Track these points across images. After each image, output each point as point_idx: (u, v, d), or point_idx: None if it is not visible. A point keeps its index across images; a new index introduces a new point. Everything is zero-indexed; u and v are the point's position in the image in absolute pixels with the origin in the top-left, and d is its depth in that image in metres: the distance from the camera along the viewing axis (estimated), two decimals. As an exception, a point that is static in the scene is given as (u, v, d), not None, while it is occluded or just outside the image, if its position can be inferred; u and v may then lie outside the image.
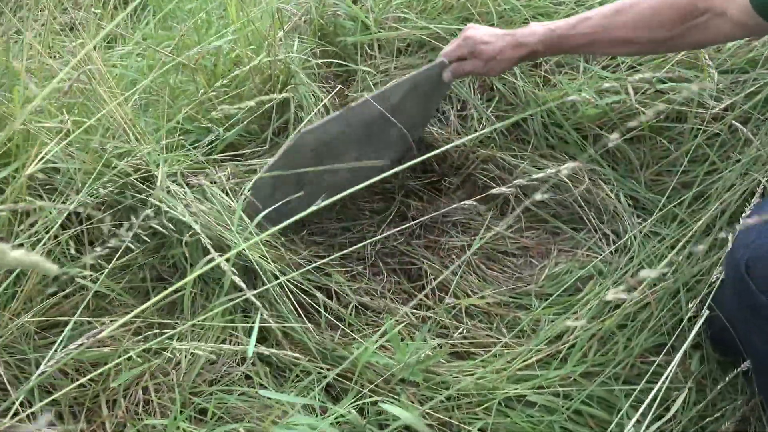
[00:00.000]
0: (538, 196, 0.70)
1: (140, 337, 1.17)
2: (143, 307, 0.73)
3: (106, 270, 0.98)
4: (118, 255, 1.11)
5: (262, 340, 1.20)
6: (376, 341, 1.04)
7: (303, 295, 1.23)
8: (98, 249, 0.93)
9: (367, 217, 1.53)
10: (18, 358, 1.09)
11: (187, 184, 1.14)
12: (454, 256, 1.40)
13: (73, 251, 1.16)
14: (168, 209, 1.05)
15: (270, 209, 1.14)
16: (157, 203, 1.04)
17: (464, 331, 1.24)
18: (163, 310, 1.22)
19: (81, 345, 0.77)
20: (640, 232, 1.29)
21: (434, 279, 1.35)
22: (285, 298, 1.19)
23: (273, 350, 1.04)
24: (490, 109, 1.53)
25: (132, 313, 0.68)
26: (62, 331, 1.00)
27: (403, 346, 1.06)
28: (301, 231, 1.48)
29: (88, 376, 0.92)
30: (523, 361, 1.11)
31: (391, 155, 1.54)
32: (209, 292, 1.21)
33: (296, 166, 1.23)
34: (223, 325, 1.13)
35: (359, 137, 1.35)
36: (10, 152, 1.15)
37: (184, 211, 1.06)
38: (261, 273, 1.12)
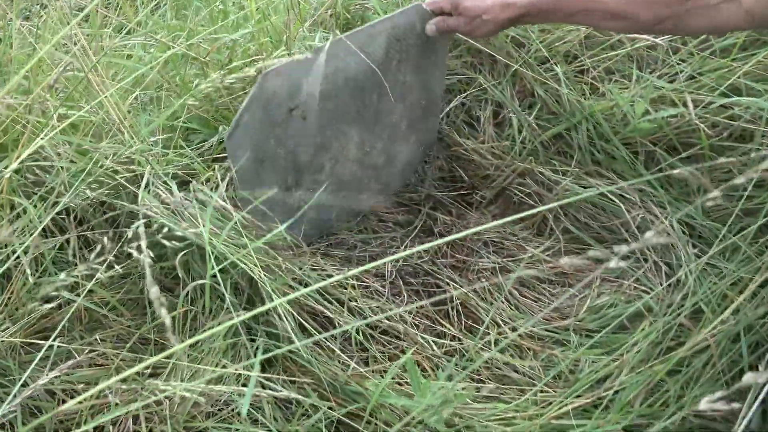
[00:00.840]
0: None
1: (136, 356, 1.09)
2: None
3: (90, 285, 0.89)
4: (106, 264, 1.02)
5: (268, 363, 1.11)
6: (393, 378, 0.94)
7: (314, 314, 1.14)
8: (89, 261, 0.84)
9: (390, 230, 1.44)
10: (1, 374, 1.02)
11: (183, 188, 1.05)
12: (483, 279, 1.30)
13: (70, 257, 1.08)
14: (154, 215, 0.97)
15: (257, 204, 1.04)
16: (145, 211, 0.95)
17: (493, 366, 1.14)
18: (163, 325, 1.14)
19: (57, 376, 0.68)
20: (697, 267, 1.17)
21: (461, 304, 1.25)
22: (292, 316, 1.10)
23: (275, 390, 0.95)
24: (531, 117, 1.42)
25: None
26: (52, 344, 0.92)
27: (424, 385, 0.96)
28: (317, 242, 1.39)
29: (69, 404, 0.84)
30: (560, 408, 1.01)
31: (404, 149, 1.44)
32: (214, 308, 1.13)
33: (274, 124, 1.11)
34: (219, 353, 1.04)
35: (352, 108, 1.24)
36: (6, 146, 1.07)
37: (172, 220, 0.97)
38: (264, 287, 1.03)
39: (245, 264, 0.99)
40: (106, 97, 0.96)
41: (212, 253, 0.94)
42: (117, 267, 1.03)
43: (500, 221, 0.63)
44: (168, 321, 0.70)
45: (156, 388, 0.89)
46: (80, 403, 0.97)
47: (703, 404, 0.50)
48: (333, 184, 1.33)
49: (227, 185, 1.11)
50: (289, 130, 1.15)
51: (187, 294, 1.06)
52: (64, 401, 1.01)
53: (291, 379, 1.09)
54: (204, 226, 0.93)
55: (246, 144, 1.10)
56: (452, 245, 1.38)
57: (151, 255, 0.86)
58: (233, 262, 1.03)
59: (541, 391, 1.08)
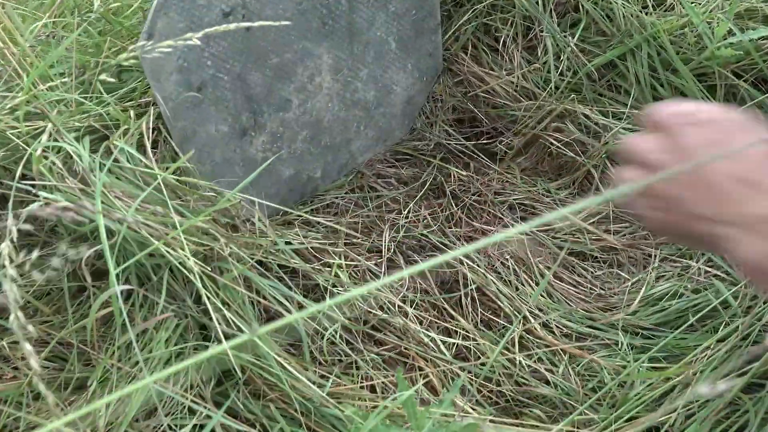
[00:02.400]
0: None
1: (58, 364, 0.91)
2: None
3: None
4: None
5: (226, 374, 0.93)
6: (381, 406, 0.74)
7: (284, 301, 0.94)
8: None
9: (390, 189, 1.21)
10: None
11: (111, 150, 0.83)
12: (508, 256, 1.08)
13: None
14: (47, 194, 0.75)
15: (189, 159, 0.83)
16: (29, 188, 0.74)
17: (516, 374, 0.94)
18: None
19: None
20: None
21: (477, 290, 1.04)
22: (254, 309, 0.91)
23: (233, 421, 0.76)
24: (574, 40, 1.16)
25: None
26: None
27: (421, 416, 0.76)
28: (298, 207, 1.17)
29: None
30: (605, 441, 0.81)
31: (400, 79, 1.20)
32: (153, 302, 0.93)
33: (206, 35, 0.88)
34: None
35: (313, 15, 0.99)
36: None
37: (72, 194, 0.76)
38: (198, 283, 0.82)
39: (171, 250, 0.79)
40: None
41: (115, 238, 0.73)
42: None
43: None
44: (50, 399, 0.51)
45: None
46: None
47: None
48: (308, 127, 1.10)
49: (156, 135, 0.89)
50: (228, 44, 0.92)
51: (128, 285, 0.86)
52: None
53: (254, 392, 0.91)
54: (97, 193, 0.71)
55: (171, 63, 0.87)
56: (468, 210, 1.16)
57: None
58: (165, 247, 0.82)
59: (581, 416, 0.88)
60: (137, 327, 0.83)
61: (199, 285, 0.81)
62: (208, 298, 0.83)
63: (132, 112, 0.92)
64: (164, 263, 0.88)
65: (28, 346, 0.51)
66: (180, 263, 0.83)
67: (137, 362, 0.84)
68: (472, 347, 0.98)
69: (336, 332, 0.94)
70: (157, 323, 0.89)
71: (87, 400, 0.82)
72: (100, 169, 0.82)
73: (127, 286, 0.76)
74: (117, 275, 0.77)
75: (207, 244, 0.86)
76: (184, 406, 0.85)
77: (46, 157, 0.82)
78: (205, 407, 0.81)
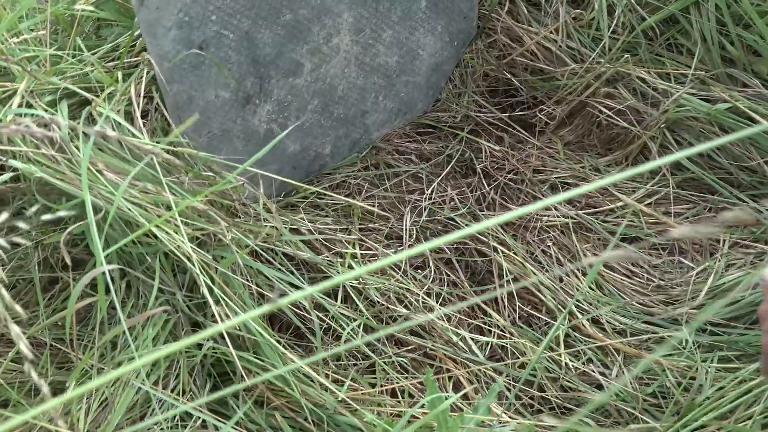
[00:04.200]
0: None
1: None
2: None
3: None
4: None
5: (222, 377, 0.92)
6: (406, 414, 0.73)
7: (292, 304, 0.93)
8: None
9: (411, 165, 1.20)
10: None
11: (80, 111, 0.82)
12: (550, 243, 1.06)
13: None
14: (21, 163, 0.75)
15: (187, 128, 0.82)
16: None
17: (562, 378, 0.92)
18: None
19: None
20: None
21: (514, 282, 1.02)
22: (253, 298, 0.90)
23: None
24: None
25: None
26: None
27: (453, 422, 0.74)
28: (302, 188, 1.16)
29: None
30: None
31: (428, 42, 1.18)
32: (139, 294, 0.92)
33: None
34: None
35: None
36: None
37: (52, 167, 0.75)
38: (196, 271, 0.81)
39: (164, 234, 0.78)
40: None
41: (104, 218, 0.72)
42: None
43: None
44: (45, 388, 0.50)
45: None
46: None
47: None
48: (320, 96, 1.09)
49: (146, 102, 0.88)
50: None
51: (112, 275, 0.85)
52: None
53: (258, 399, 0.90)
54: (83, 165, 0.70)
55: (170, 16, 0.86)
56: (503, 190, 1.14)
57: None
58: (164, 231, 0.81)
59: (636, 419, 0.86)
60: (122, 324, 0.82)
61: (198, 273, 0.80)
62: (211, 290, 0.82)
63: (120, 74, 0.91)
64: (151, 252, 0.87)
65: (16, 329, 0.50)
66: (173, 250, 0.82)
67: (120, 362, 0.83)
68: (509, 347, 0.97)
69: (354, 331, 0.93)
70: (146, 320, 0.88)
71: (63, 406, 0.81)
72: (83, 139, 0.81)
73: (114, 266, 0.75)
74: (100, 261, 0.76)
75: (205, 228, 0.84)
76: (175, 415, 0.84)
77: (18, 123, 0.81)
78: (201, 412, 0.80)
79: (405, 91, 1.23)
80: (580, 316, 0.97)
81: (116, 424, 0.76)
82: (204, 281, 0.78)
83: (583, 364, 0.94)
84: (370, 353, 0.92)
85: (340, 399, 0.84)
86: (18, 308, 0.52)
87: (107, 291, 0.86)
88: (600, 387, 0.91)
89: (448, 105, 1.28)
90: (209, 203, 0.90)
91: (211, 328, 0.32)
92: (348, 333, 0.91)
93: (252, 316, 0.30)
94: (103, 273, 0.74)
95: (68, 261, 0.69)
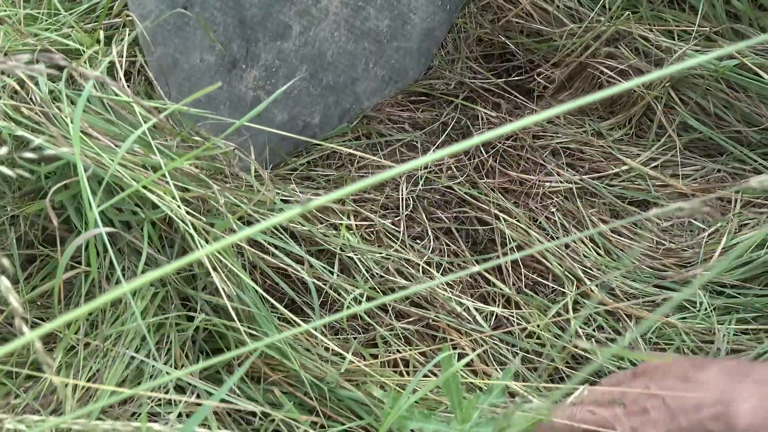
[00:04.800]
0: None
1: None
2: None
3: None
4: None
5: (217, 354, 0.90)
6: (411, 384, 0.72)
7: (286, 274, 0.92)
8: None
9: (405, 132, 1.19)
10: None
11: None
12: (554, 209, 1.06)
13: None
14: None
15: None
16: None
17: (572, 345, 0.92)
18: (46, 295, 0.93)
19: None
20: None
21: (518, 249, 1.01)
22: (251, 277, 0.88)
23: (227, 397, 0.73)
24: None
25: None
26: None
27: (468, 403, 0.73)
28: (290, 159, 1.15)
29: None
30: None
31: (420, 5, 1.18)
32: (129, 261, 0.91)
33: None
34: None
35: None
36: None
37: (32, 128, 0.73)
38: (186, 230, 0.80)
39: (155, 195, 0.76)
40: None
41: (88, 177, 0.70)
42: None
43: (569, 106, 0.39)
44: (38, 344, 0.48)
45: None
46: None
47: None
48: (308, 61, 1.08)
49: (129, 65, 0.86)
50: None
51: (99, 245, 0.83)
52: None
53: (255, 375, 0.88)
54: (75, 127, 0.69)
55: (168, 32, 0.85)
56: (502, 157, 1.13)
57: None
58: (146, 195, 0.79)
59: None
60: (107, 294, 0.80)
61: (193, 235, 0.78)
62: (210, 261, 0.80)
63: (101, 34, 0.89)
64: (136, 221, 0.86)
65: (5, 282, 0.48)
66: (163, 217, 0.81)
67: (109, 336, 0.81)
68: (514, 316, 0.96)
69: (354, 301, 0.91)
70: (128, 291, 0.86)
71: (48, 384, 0.79)
72: (63, 99, 0.79)
73: (110, 228, 0.73)
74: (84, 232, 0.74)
75: (198, 191, 0.83)
76: (167, 389, 0.82)
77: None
78: (195, 387, 0.78)
79: (396, 58, 1.22)
80: (588, 282, 0.97)
81: (106, 399, 0.74)
82: (199, 243, 0.76)
83: (594, 330, 0.93)
84: (373, 323, 0.90)
85: (342, 371, 0.83)
86: (4, 262, 0.50)
87: (88, 264, 0.85)
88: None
89: (441, 72, 1.27)
90: (198, 168, 0.88)
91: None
92: (348, 303, 0.90)
93: (285, 218, 0.28)
94: (95, 237, 0.72)
95: (55, 221, 0.67)
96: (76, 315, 0.35)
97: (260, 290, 0.83)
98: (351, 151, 1.13)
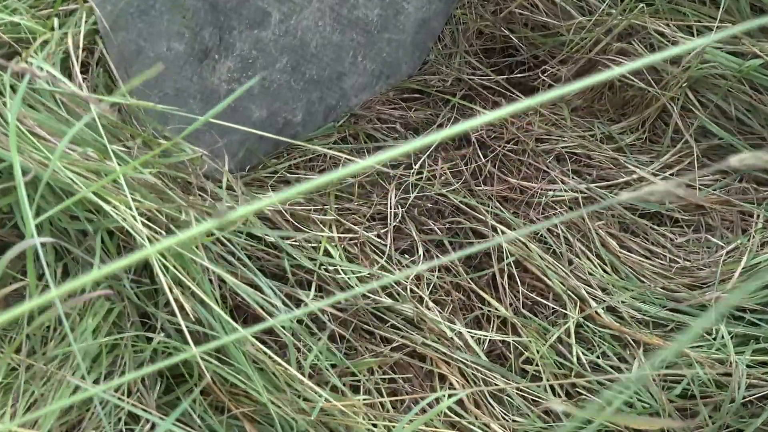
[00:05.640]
0: None
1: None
2: None
3: None
4: None
5: (175, 377, 0.86)
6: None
7: (260, 289, 0.88)
8: None
9: (395, 135, 1.15)
10: None
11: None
12: (557, 221, 1.02)
13: None
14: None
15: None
16: None
17: (572, 374, 0.88)
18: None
19: None
20: None
21: (516, 265, 0.97)
22: (216, 295, 0.85)
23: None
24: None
25: None
26: None
27: None
28: (269, 161, 1.11)
29: None
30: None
31: None
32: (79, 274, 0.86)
33: None
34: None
35: None
36: None
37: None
38: (140, 237, 0.76)
39: (109, 204, 0.72)
40: None
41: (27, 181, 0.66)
42: None
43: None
44: None
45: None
46: None
47: None
48: (289, 52, 1.04)
49: (86, 55, 0.82)
50: None
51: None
52: None
53: (214, 404, 0.85)
54: (11, 122, 0.65)
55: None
56: (501, 162, 1.09)
57: None
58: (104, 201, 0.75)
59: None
60: (58, 306, 0.76)
61: (153, 254, 0.74)
62: (166, 270, 0.76)
63: (56, 21, 0.85)
64: (91, 230, 0.82)
65: None
66: (121, 227, 0.77)
67: (54, 357, 0.77)
68: (511, 342, 0.92)
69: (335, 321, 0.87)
70: (81, 307, 0.82)
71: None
72: (11, 92, 0.75)
73: (48, 238, 0.69)
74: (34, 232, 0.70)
75: (152, 205, 0.78)
76: (119, 417, 0.78)
77: None
78: (150, 414, 0.74)
79: (388, 51, 1.18)
80: (593, 303, 0.93)
81: (48, 430, 0.70)
82: (158, 261, 0.72)
83: (598, 358, 0.89)
84: (356, 344, 0.87)
85: (314, 414, 0.78)
86: None
87: (40, 274, 0.81)
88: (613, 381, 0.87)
89: (437, 67, 1.24)
90: (159, 176, 0.84)
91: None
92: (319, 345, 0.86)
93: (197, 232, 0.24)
94: (35, 246, 0.68)
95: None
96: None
97: (224, 314, 0.78)
98: (334, 153, 1.09)
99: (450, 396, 0.86)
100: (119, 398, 0.76)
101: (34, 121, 0.76)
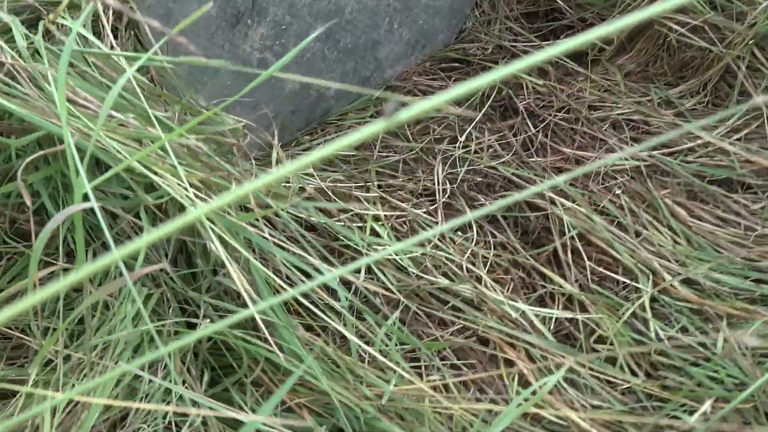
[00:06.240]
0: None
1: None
2: None
3: None
4: None
5: (224, 369, 0.82)
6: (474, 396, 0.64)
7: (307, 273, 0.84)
8: None
9: (436, 110, 1.11)
10: None
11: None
12: (619, 190, 0.98)
13: None
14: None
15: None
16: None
17: (653, 354, 0.84)
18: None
19: None
20: None
21: (579, 238, 0.94)
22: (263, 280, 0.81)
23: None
24: None
25: None
26: None
27: None
28: (303, 137, 1.07)
29: None
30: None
31: None
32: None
33: None
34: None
35: None
36: None
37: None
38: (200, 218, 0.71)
39: (152, 172, 0.68)
40: None
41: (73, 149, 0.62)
42: None
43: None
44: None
45: None
46: None
47: None
48: (324, 19, 1.00)
49: (115, 19, 0.78)
50: None
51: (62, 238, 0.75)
52: None
53: (266, 395, 0.81)
54: (60, 88, 0.61)
55: None
56: (553, 132, 1.06)
57: None
58: (137, 169, 0.71)
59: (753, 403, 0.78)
60: (91, 297, 0.72)
61: (208, 227, 0.70)
62: (229, 260, 0.72)
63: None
64: (129, 207, 0.78)
65: None
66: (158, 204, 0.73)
67: (95, 347, 0.73)
68: (580, 320, 0.88)
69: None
70: (119, 294, 0.78)
71: (19, 408, 0.71)
72: (45, 54, 0.71)
73: (96, 204, 0.65)
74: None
75: (201, 174, 0.74)
76: (165, 413, 0.74)
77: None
78: (195, 402, 0.70)
79: (424, 18, 1.14)
80: (667, 276, 0.89)
81: (91, 426, 0.66)
82: (215, 238, 0.68)
83: (677, 332, 0.85)
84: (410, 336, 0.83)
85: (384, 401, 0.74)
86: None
87: (68, 258, 0.77)
88: (696, 364, 0.83)
89: (476, 35, 1.20)
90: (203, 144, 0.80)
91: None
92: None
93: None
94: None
95: (28, 202, 0.59)
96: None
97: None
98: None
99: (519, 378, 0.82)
100: (168, 383, 0.72)
101: (71, 86, 0.72)
